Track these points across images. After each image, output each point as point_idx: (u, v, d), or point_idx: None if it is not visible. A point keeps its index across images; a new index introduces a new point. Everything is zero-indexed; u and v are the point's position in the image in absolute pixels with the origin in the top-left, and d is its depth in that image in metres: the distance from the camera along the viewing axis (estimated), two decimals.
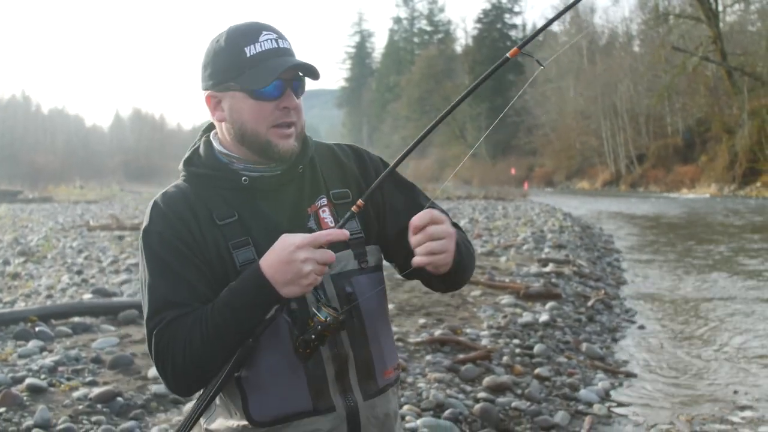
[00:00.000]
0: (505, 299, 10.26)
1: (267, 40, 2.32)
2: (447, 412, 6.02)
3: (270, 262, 2.15)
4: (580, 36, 77.13)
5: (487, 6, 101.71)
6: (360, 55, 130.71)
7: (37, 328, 8.41)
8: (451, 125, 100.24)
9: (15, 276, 13.80)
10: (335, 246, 2.25)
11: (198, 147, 2.49)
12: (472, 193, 47.66)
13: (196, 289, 2.26)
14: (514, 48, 2.32)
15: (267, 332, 2.22)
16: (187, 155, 2.49)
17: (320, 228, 2.35)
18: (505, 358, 7.63)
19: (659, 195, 55.35)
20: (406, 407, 6.04)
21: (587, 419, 6.60)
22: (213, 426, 2.40)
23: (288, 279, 2.13)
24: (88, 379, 6.68)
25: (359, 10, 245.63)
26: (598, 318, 10.49)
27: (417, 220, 2.21)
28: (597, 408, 6.89)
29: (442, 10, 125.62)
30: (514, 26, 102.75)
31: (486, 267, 13.09)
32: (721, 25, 56.14)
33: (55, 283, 12.73)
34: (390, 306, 9.34)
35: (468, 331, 8.44)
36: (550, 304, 10.24)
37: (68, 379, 6.64)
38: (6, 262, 15.66)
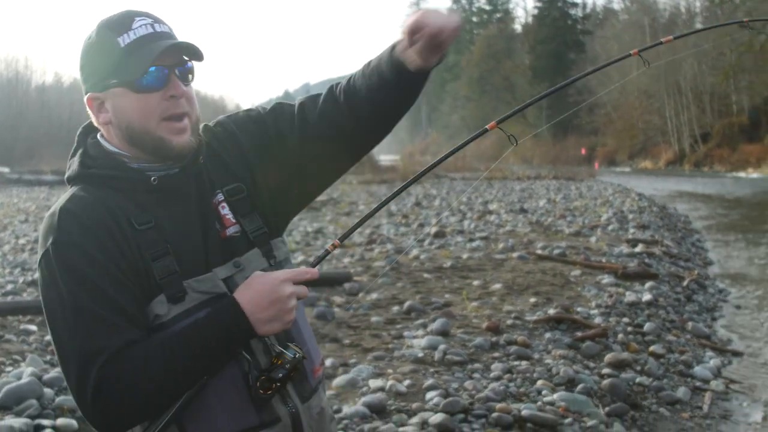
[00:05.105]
0: (605, 279, 10.49)
1: (141, 26, 2.07)
2: (579, 387, 6.31)
3: (251, 298, 1.99)
4: None
5: None
6: None
7: None
8: (511, 104, 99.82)
9: None
10: (241, 247, 2.18)
11: (85, 150, 2.18)
12: (542, 174, 47.54)
13: (128, 312, 1.98)
14: (492, 122, 2.57)
15: None
16: (77, 160, 2.17)
17: (223, 226, 2.18)
18: (620, 336, 7.89)
19: (724, 174, 54.71)
20: (540, 382, 6.34)
21: (707, 395, 6.87)
22: None
23: (272, 315, 1.99)
24: None
25: None
26: (695, 297, 10.69)
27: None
28: (714, 384, 7.14)
29: None
30: (575, 4, 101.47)
31: (579, 247, 13.35)
32: None
33: None
34: (498, 285, 9.73)
35: (579, 309, 8.70)
36: (648, 283, 10.43)
37: None
38: None
